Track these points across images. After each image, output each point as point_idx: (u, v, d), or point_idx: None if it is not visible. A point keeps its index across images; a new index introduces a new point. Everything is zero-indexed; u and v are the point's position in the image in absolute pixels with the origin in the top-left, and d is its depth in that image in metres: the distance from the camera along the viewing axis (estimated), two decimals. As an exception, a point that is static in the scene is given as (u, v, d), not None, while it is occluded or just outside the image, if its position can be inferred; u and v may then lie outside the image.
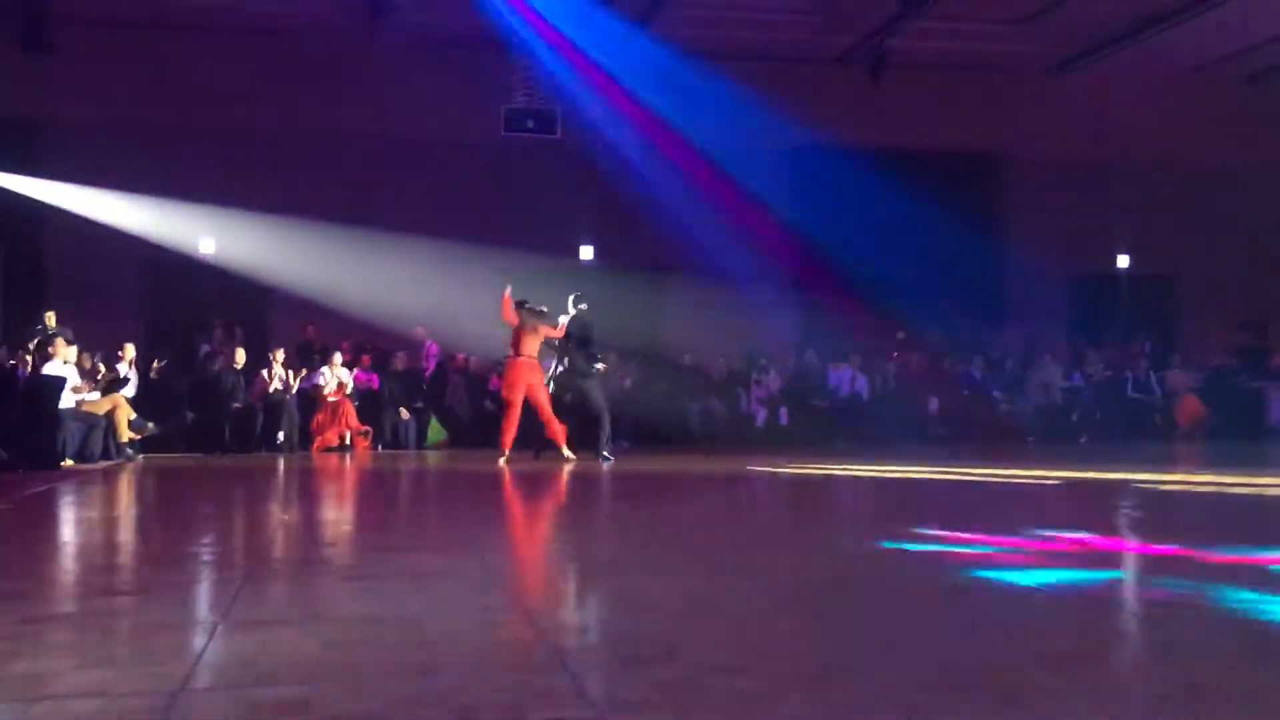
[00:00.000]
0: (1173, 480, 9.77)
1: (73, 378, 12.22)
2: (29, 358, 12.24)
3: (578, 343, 11.69)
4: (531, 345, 11.42)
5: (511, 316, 11.32)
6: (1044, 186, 18.30)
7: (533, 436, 11.92)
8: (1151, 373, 16.51)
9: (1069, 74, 17.84)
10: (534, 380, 11.40)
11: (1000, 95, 17.89)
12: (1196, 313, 18.41)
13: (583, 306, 11.74)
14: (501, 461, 11.16)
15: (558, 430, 11.48)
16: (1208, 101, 18.11)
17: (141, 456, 12.50)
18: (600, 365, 11.92)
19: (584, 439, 11.75)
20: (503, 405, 11.81)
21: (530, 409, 11.50)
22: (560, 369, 11.91)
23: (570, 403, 11.82)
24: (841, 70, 17.47)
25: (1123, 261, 19.16)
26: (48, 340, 12.33)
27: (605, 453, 11.48)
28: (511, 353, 11.51)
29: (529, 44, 15.80)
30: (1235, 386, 16.43)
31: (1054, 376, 16.60)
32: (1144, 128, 17.96)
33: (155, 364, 13.70)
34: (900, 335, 17.09)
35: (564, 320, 11.65)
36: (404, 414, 14.61)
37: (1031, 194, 18.41)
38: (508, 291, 11.38)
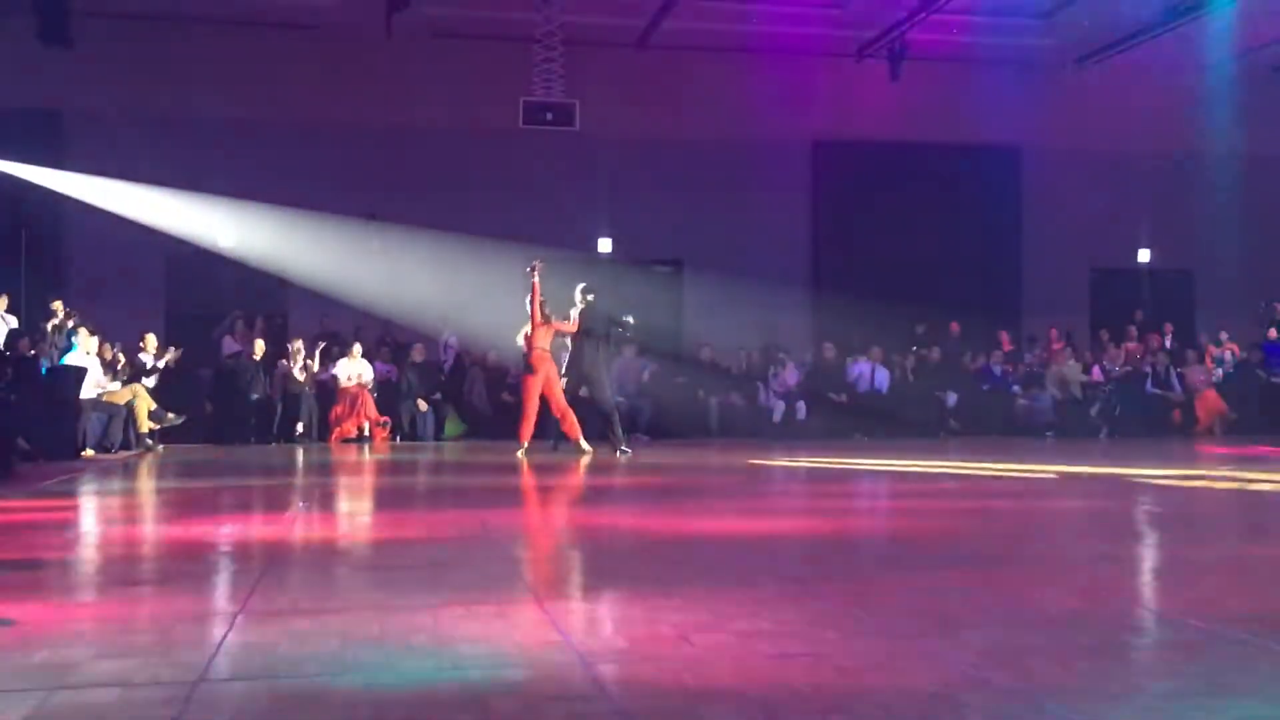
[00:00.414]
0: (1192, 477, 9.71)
1: (94, 368, 12.29)
2: (44, 346, 12.34)
3: (586, 335, 11.68)
4: (545, 339, 11.45)
5: (537, 311, 11.35)
6: (1064, 180, 18.19)
7: (551, 429, 11.95)
8: (1171, 368, 16.40)
9: (1089, 67, 17.71)
10: (549, 374, 11.42)
11: (1020, 88, 17.76)
12: (1217, 307, 18.27)
13: (590, 297, 11.73)
14: (519, 454, 11.19)
15: (573, 423, 11.49)
16: (1230, 94, 17.95)
17: (161, 447, 12.57)
18: (628, 323, 11.88)
19: (600, 432, 11.78)
20: (520, 398, 11.83)
21: (546, 402, 11.56)
22: (572, 362, 11.89)
23: (584, 396, 11.82)
24: (861, 64, 17.39)
25: (1143, 255, 19.05)
26: (71, 332, 12.40)
27: (622, 446, 11.50)
28: (526, 347, 11.55)
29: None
30: (1256, 382, 16.31)
31: (1073, 371, 16.51)
32: (1165, 121, 17.82)
33: (174, 350, 13.78)
34: (919, 329, 17.03)
35: (574, 314, 11.66)
36: (422, 405, 14.65)
37: (1051, 188, 18.30)
38: (537, 277, 11.38)
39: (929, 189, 17.65)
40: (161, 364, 13.33)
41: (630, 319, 11.93)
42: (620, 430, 11.71)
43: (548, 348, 11.48)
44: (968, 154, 17.92)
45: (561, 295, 11.76)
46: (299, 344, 14.42)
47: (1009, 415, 16.02)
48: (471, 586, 4.30)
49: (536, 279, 11.38)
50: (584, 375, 11.72)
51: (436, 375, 15.25)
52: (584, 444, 11.47)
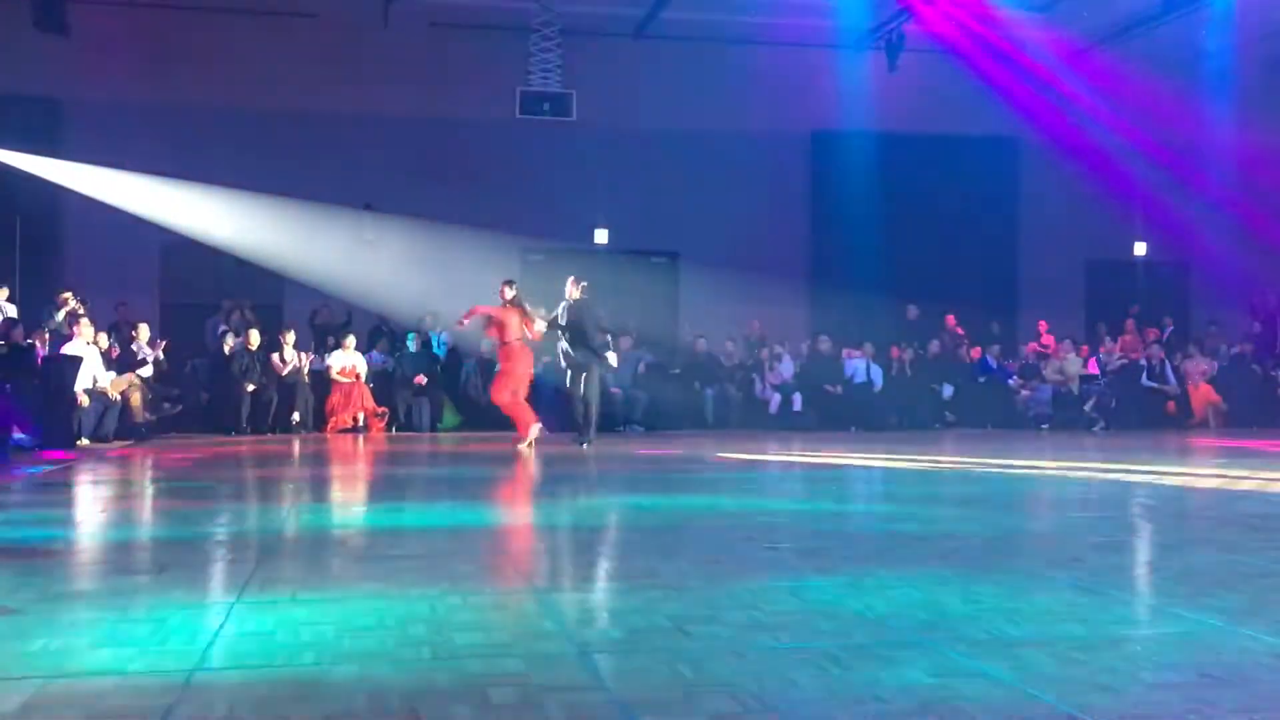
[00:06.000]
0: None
1: (91, 358, 12.27)
2: (48, 336, 12.31)
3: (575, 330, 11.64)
4: (519, 332, 11.50)
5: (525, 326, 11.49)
6: (1060, 172, 18.19)
7: (573, 422, 11.86)
8: (1166, 361, 16.43)
9: (1085, 58, 17.69)
10: (521, 368, 11.49)
11: (1016, 79, 17.74)
12: (1213, 300, 18.30)
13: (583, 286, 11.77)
14: (522, 445, 11.17)
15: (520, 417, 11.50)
16: (1226, 87, 17.94)
17: (157, 437, 12.55)
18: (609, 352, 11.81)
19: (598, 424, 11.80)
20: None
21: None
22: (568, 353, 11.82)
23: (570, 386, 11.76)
24: (858, 55, 17.36)
25: (1139, 249, 19.05)
26: (74, 320, 12.34)
27: (586, 439, 11.52)
28: (500, 340, 11.54)
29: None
30: (1251, 375, 16.34)
31: (1070, 364, 16.53)
32: (1162, 113, 17.80)
33: (162, 342, 13.78)
34: (912, 310, 17.06)
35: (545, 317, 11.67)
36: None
37: (1048, 180, 18.29)
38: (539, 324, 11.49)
39: (926, 181, 17.64)
40: (151, 357, 13.31)
41: (584, 282, 11.77)
42: (582, 423, 11.65)
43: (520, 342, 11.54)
44: (965, 146, 17.92)
45: (553, 289, 11.73)
46: (291, 334, 14.41)
47: (1006, 407, 16.05)
48: (468, 576, 4.30)
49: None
50: (576, 364, 11.65)
51: (432, 365, 15.22)
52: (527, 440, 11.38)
